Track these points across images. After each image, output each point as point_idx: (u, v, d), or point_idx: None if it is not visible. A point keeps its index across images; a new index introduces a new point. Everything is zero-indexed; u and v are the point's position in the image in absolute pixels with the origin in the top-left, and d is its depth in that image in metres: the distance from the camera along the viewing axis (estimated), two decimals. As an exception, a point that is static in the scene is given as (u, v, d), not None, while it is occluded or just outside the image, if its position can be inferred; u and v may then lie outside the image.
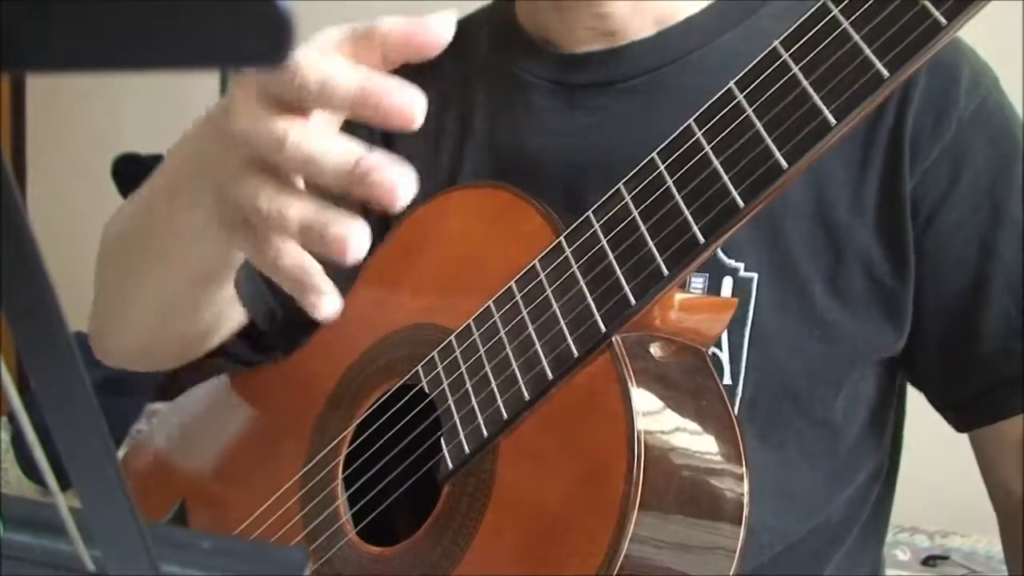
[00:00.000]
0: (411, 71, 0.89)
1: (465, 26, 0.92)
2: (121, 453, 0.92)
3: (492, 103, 0.85)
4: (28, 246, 0.26)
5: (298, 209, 0.57)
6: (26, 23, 0.23)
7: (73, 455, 0.28)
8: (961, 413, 0.81)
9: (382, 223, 0.86)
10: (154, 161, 2.57)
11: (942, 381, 0.81)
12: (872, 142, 0.75)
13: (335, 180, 0.55)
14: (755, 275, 0.76)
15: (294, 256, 0.59)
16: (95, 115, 2.67)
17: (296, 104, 0.57)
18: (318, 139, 0.56)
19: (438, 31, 0.57)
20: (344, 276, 0.88)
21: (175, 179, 0.72)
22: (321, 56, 0.56)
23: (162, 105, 2.56)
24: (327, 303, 0.59)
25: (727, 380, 0.76)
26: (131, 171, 2.19)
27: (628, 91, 0.80)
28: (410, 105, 0.55)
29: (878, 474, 0.86)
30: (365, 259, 0.84)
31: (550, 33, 0.83)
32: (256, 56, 0.23)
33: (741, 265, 0.76)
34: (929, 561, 1.68)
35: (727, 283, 0.76)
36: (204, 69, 0.23)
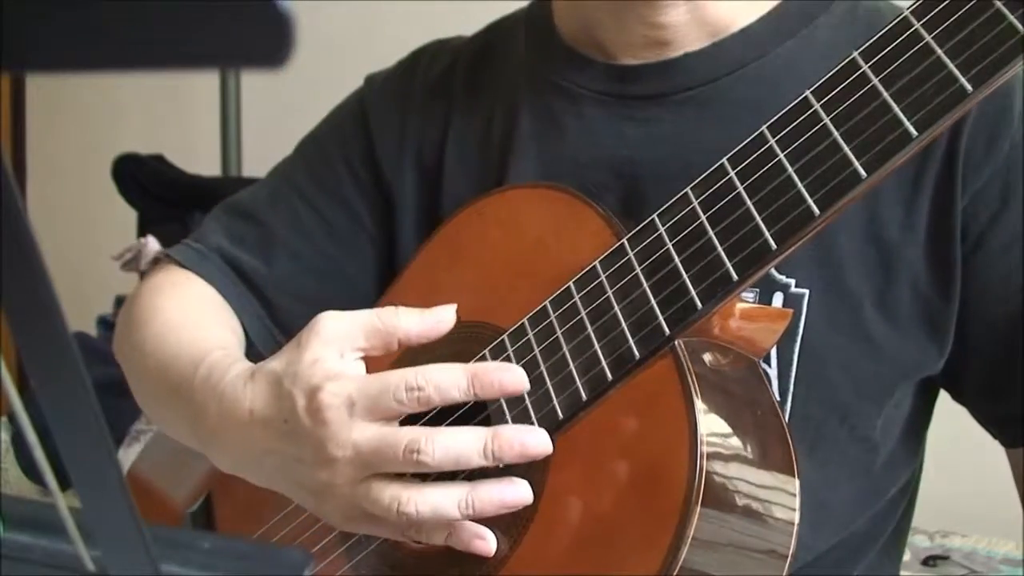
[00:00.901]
0: (451, 80, 0.89)
1: (504, 31, 0.91)
2: (136, 450, 0.92)
3: (537, 113, 0.84)
4: (28, 246, 0.26)
5: (432, 504, 0.64)
6: (26, 23, 0.23)
7: (73, 455, 0.28)
8: (1006, 430, 0.80)
9: (430, 221, 0.86)
10: (154, 161, 2.55)
11: (987, 399, 0.80)
12: (925, 161, 0.75)
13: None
14: (806, 291, 0.76)
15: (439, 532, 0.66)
16: (95, 115, 2.66)
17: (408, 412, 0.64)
18: (446, 435, 0.63)
19: (446, 321, 0.68)
20: (388, 273, 0.88)
21: (233, 458, 0.74)
22: (413, 374, 0.64)
23: (162, 105, 2.56)
24: (490, 541, 0.66)
25: (775, 395, 0.75)
26: (131, 171, 2.19)
27: (682, 103, 0.79)
28: (513, 380, 0.64)
29: (907, 488, 0.86)
30: (410, 257, 0.85)
31: (603, 41, 0.82)
32: (257, 57, 0.23)
33: (792, 281, 0.76)
34: (929, 561, 1.67)
35: (778, 299, 0.76)
36: (204, 69, 0.23)
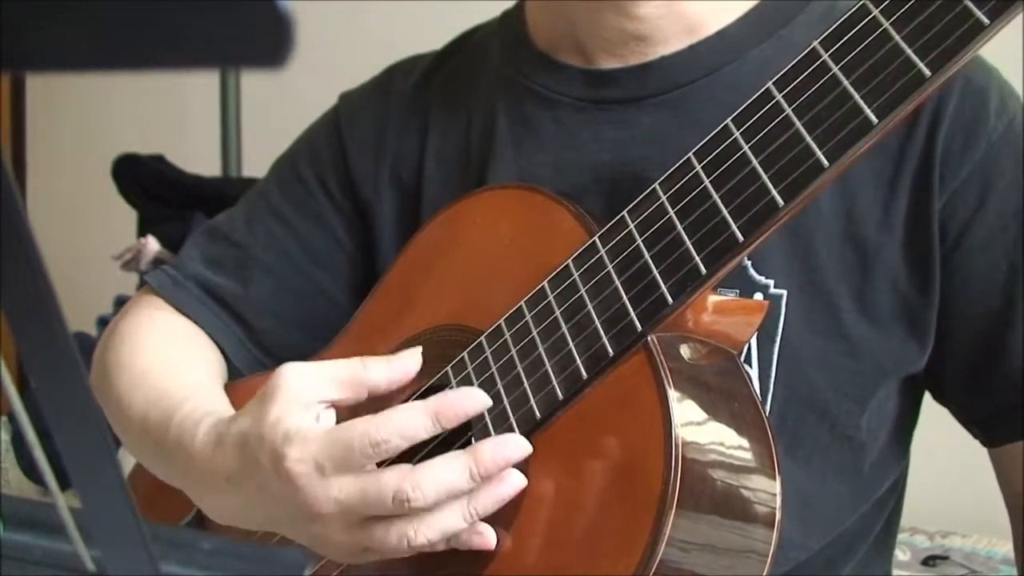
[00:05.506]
0: (426, 93, 0.89)
1: (478, 41, 0.92)
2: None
3: (514, 120, 0.85)
4: (28, 246, 0.26)
5: (440, 527, 0.64)
6: (26, 23, 0.23)
7: (73, 455, 0.28)
8: (987, 429, 0.81)
9: (410, 232, 0.86)
10: (154, 161, 2.55)
11: (968, 398, 0.80)
12: (902, 161, 0.75)
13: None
14: (784, 291, 0.76)
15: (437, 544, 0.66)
16: (95, 115, 2.66)
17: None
18: (429, 473, 0.63)
19: (413, 368, 0.69)
20: (367, 288, 0.88)
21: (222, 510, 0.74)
22: (382, 422, 0.63)
23: (162, 105, 2.56)
24: (489, 536, 0.66)
25: (756, 390, 0.75)
26: (131, 171, 2.18)
27: (659, 105, 0.80)
28: (475, 406, 0.66)
29: (895, 486, 0.86)
30: (390, 261, 0.85)
31: (580, 41, 0.82)
32: (256, 56, 0.23)
33: (771, 282, 0.76)
34: (929, 561, 1.67)
35: (757, 299, 0.76)
36: (204, 69, 0.23)
